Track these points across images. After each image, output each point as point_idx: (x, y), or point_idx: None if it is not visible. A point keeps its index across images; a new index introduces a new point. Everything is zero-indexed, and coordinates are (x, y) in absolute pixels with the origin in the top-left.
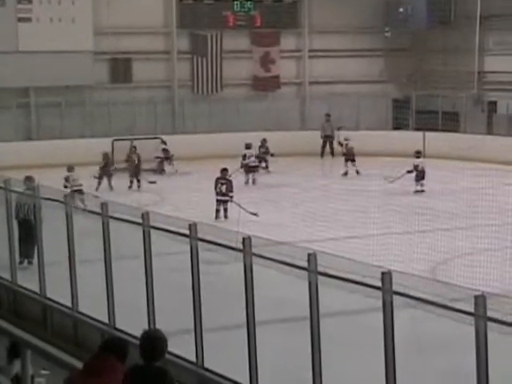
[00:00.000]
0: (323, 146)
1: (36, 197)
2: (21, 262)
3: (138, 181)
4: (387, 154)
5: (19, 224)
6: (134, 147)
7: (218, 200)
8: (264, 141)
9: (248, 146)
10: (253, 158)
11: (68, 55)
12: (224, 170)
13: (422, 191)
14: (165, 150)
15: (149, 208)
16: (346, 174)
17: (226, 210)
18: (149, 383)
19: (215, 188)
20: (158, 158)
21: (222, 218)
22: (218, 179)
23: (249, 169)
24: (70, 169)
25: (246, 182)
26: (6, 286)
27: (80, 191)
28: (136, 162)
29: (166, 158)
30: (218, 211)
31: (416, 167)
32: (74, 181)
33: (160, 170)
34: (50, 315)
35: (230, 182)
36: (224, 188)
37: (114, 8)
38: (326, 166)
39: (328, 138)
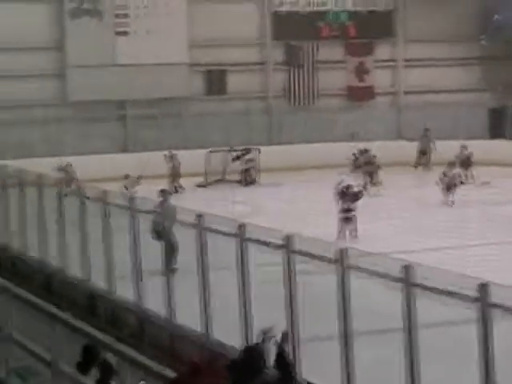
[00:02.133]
0: (418, 158)
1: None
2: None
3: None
4: (484, 163)
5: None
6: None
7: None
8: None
9: None
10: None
11: (164, 68)
12: (349, 187)
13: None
14: (249, 161)
15: (244, 219)
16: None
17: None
18: None
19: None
20: (243, 170)
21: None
22: (342, 193)
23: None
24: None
25: None
26: (103, 297)
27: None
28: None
29: (250, 169)
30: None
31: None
32: None
33: (246, 182)
34: (147, 326)
35: (356, 195)
36: (350, 204)
37: (208, 20)
38: (421, 177)
39: (423, 153)
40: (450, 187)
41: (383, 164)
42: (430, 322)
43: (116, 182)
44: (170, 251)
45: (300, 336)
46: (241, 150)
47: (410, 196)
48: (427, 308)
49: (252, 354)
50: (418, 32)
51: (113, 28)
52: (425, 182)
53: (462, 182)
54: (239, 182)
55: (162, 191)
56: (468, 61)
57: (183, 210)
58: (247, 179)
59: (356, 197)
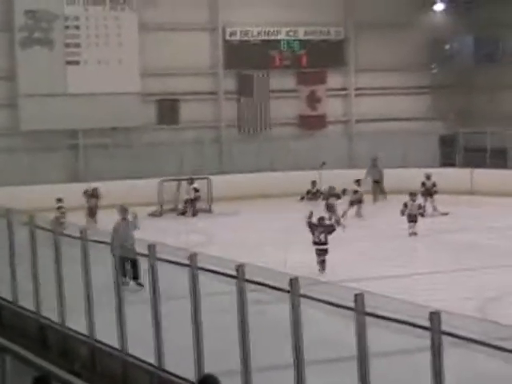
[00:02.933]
0: (374, 192)
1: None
2: (125, 283)
3: None
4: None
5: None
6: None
7: (318, 250)
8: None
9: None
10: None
11: (115, 97)
12: (322, 219)
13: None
14: (195, 190)
15: (196, 249)
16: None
17: (323, 261)
18: None
19: (313, 234)
20: (188, 200)
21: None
22: (314, 225)
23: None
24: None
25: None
26: (54, 329)
27: None
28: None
29: (195, 199)
30: (322, 262)
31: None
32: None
33: (192, 212)
34: (98, 357)
35: (330, 227)
36: (323, 237)
37: (160, 49)
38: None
39: (376, 184)
40: (411, 219)
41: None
42: (383, 351)
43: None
44: (134, 263)
45: (252, 365)
46: (186, 180)
47: (364, 225)
48: (379, 337)
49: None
50: (369, 61)
51: (64, 57)
52: (381, 211)
53: (422, 215)
54: (183, 213)
55: (122, 208)
56: (419, 89)
57: (136, 240)
58: (193, 209)
59: (330, 229)
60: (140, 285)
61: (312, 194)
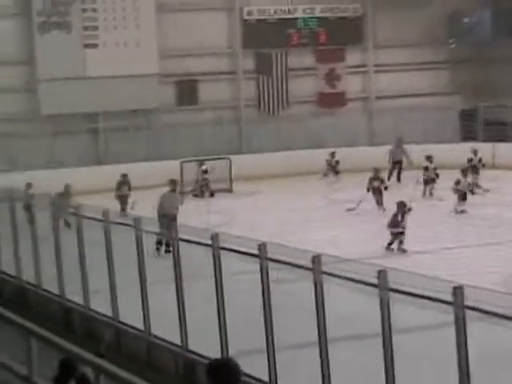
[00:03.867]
0: (390, 172)
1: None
2: (157, 249)
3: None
4: (457, 166)
5: (159, 218)
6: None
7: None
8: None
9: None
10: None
11: (134, 79)
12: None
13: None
14: (204, 172)
15: (218, 229)
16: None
17: (401, 242)
18: None
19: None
20: (199, 181)
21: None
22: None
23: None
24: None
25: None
26: (78, 311)
27: None
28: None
29: (204, 181)
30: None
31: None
32: None
33: (205, 193)
34: (123, 339)
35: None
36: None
37: (178, 30)
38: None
39: (398, 164)
40: (462, 196)
41: (354, 169)
42: (407, 327)
43: (89, 195)
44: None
45: (277, 344)
46: (197, 161)
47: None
48: (405, 313)
49: (230, 364)
50: (388, 37)
51: (82, 40)
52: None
53: (472, 192)
54: (195, 195)
55: (171, 181)
56: (438, 64)
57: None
58: (203, 191)
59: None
60: (168, 251)
61: (332, 167)
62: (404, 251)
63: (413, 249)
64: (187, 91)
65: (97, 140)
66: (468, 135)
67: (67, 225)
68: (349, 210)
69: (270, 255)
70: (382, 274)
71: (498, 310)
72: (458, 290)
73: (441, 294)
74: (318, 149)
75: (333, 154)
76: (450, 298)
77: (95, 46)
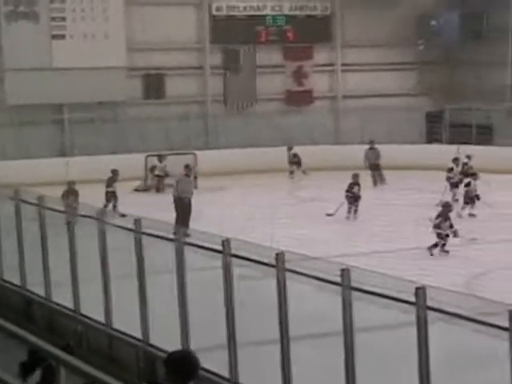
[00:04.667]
0: (373, 175)
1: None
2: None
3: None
4: (421, 167)
5: (175, 201)
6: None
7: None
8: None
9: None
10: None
11: (101, 71)
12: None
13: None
14: (159, 168)
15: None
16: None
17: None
18: None
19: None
20: (157, 176)
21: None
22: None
23: None
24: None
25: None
26: (40, 303)
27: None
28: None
29: (164, 176)
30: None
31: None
32: None
33: (158, 189)
34: (84, 332)
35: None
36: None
37: (146, 24)
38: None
39: (373, 167)
40: (470, 200)
41: (320, 168)
42: (369, 326)
43: (53, 187)
44: (187, 215)
45: (238, 340)
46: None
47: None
48: (367, 312)
49: (188, 356)
50: (356, 37)
51: (49, 31)
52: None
53: (478, 197)
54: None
55: (186, 166)
56: (405, 65)
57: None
58: (158, 187)
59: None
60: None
61: (294, 163)
62: (446, 253)
63: (378, 248)
64: (154, 85)
65: (62, 131)
66: (433, 137)
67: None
68: (328, 215)
69: (234, 251)
70: (345, 272)
71: (460, 312)
72: (420, 291)
73: (403, 294)
74: (284, 146)
75: (289, 149)
76: (412, 299)
77: (62, 36)
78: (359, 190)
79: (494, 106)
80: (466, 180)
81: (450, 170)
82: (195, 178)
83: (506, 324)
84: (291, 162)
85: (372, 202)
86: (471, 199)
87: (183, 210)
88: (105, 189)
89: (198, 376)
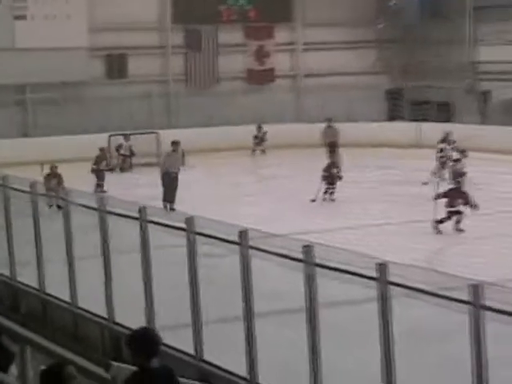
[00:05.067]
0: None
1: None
2: (164, 207)
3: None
4: (383, 145)
5: (162, 176)
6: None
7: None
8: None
9: None
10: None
11: (63, 52)
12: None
13: None
14: (125, 147)
15: (146, 202)
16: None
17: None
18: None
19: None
20: (122, 155)
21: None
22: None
23: None
24: None
25: None
26: (5, 283)
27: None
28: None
29: (131, 155)
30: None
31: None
32: None
33: (123, 168)
34: (49, 311)
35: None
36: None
37: (108, 4)
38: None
39: (331, 145)
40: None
41: (282, 145)
42: (332, 301)
43: (16, 167)
44: (173, 190)
45: (204, 317)
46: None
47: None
48: (330, 288)
49: (148, 334)
50: (317, 16)
51: (11, 12)
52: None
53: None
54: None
55: (174, 142)
56: (365, 44)
57: (86, 194)
58: (122, 166)
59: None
60: (172, 209)
61: (259, 139)
62: (461, 231)
63: (342, 225)
64: (116, 65)
65: (25, 112)
66: (394, 114)
67: (59, 207)
68: (312, 200)
69: (198, 229)
70: (307, 249)
71: (421, 286)
72: (382, 267)
73: (366, 269)
74: (246, 125)
75: (259, 127)
76: (374, 274)
77: (24, 17)
78: (338, 171)
79: (453, 84)
80: (455, 156)
81: (440, 150)
82: (183, 155)
83: (466, 298)
84: (258, 142)
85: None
86: (460, 175)
87: (171, 184)
88: (92, 167)
89: (159, 352)
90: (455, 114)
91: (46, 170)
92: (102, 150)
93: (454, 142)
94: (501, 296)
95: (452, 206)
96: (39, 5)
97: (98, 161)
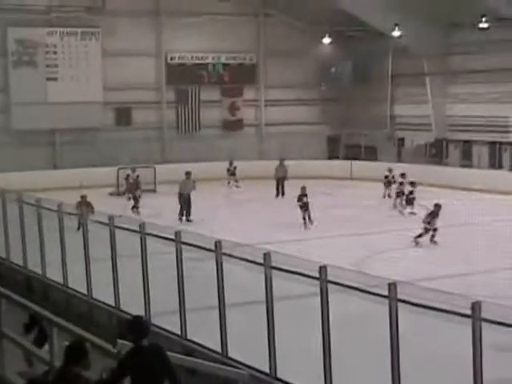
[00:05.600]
0: (277, 187)
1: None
2: (179, 219)
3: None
4: (324, 177)
5: (179, 196)
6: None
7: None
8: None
9: None
10: None
11: (83, 105)
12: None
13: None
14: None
15: (146, 219)
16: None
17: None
18: (150, 357)
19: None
20: (129, 183)
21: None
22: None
23: None
24: None
25: None
26: (37, 279)
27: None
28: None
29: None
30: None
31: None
32: None
33: (133, 196)
34: (71, 301)
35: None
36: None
37: (117, 69)
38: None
39: (281, 180)
40: (411, 200)
41: (248, 177)
42: (285, 296)
43: (47, 192)
44: (188, 207)
45: (188, 306)
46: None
47: (271, 202)
48: (282, 285)
49: (138, 320)
50: (275, 80)
51: (45, 75)
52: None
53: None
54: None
55: (187, 172)
56: (312, 101)
57: (99, 214)
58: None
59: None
60: (189, 221)
61: (231, 172)
62: (435, 243)
63: (293, 238)
64: (123, 115)
65: (54, 150)
66: (333, 154)
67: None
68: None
69: (184, 240)
70: (266, 256)
71: (352, 284)
72: (322, 269)
73: (311, 271)
74: (221, 161)
75: (231, 163)
76: (317, 275)
77: (55, 79)
78: (307, 199)
79: (377, 132)
80: (409, 188)
81: (400, 183)
82: (194, 181)
83: (385, 293)
84: (230, 174)
85: (285, 204)
86: (411, 200)
87: (185, 202)
88: (128, 195)
89: (148, 334)
90: (379, 154)
91: (78, 199)
92: (133, 179)
93: (401, 182)
94: (411, 291)
95: (430, 224)
96: (66, 68)
97: (132, 188)
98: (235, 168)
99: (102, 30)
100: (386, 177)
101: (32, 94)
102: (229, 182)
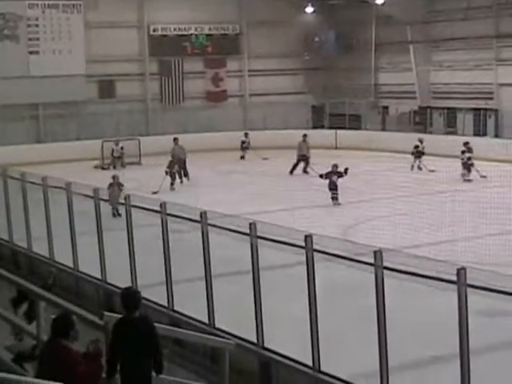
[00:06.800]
0: (296, 165)
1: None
2: (172, 184)
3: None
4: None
5: (171, 162)
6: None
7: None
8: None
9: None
10: None
11: (66, 78)
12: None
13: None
14: (116, 150)
15: (131, 192)
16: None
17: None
18: (139, 329)
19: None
20: (114, 156)
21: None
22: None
23: None
24: None
25: None
26: (23, 253)
27: None
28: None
29: (120, 157)
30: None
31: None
32: None
33: (115, 166)
34: (58, 274)
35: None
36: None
37: (100, 41)
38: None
39: (303, 158)
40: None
41: (230, 148)
42: (271, 265)
43: (31, 166)
44: (185, 169)
45: (174, 278)
46: (114, 141)
47: (258, 171)
48: (270, 255)
49: (133, 291)
50: (259, 50)
51: (27, 49)
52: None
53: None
54: (109, 166)
55: (175, 139)
56: (295, 71)
57: (85, 187)
58: (121, 164)
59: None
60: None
61: (245, 146)
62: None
63: (279, 207)
64: (107, 88)
65: (38, 124)
66: (317, 124)
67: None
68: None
69: (169, 211)
70: (252, 225)
71: (339, 253)
72: (308, 238)
73: (297, 240)
74: (205, 132)
75: (246, 134)
76: (303, 244)
77: (37, 52)
78: (337, 178)
79: (361, 101)
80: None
81: (417, 150)
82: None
83: (371, 261)
84: (245, 147)
85: (275, 172)
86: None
87: (182, 167)
88: (165, 170)
89: (139, 307)
90: (363, 123)
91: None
92: (172, 156)
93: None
94: (397, 259)
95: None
96: (48, 42)
97: (170, 165)
98: (249, 143)
99: (84, 2)
100: (417, 147)
101: (14, 68)
102: (242, 157)
